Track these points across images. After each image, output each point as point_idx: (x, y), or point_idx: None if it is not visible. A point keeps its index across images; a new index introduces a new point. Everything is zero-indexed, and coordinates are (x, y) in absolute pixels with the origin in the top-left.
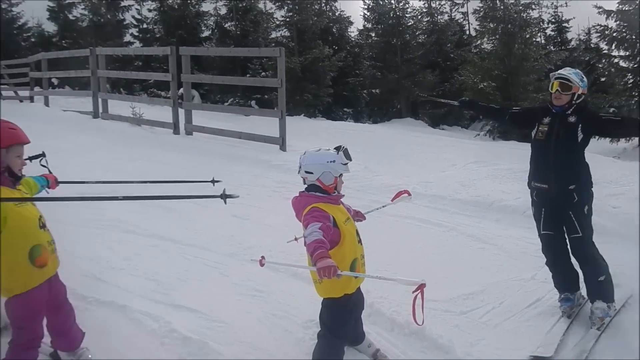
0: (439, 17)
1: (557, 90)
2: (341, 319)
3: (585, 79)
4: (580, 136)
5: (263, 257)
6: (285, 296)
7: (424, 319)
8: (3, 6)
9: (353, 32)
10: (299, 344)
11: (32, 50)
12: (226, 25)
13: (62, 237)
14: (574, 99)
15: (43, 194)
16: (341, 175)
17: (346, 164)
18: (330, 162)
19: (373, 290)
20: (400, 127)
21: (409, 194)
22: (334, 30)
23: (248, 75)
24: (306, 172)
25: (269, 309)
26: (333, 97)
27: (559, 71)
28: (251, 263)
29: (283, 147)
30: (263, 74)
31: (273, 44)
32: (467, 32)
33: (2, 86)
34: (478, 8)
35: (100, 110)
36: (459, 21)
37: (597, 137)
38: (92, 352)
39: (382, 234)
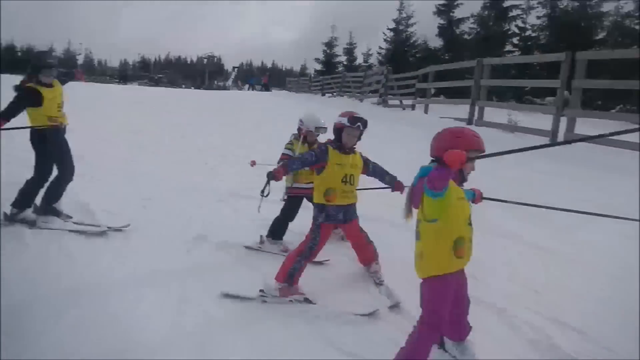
0: None
1: None
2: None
3: None
4: None
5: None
6: None
7: None
8: (400, 27)
9: None
10: None
11: (416, 65)
12: (628, 24)
13: None
14: None
15: None
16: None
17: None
18: None
19: None
20: None
21: None
22: None
23: None
24: None
25: None
26: None
27: None
28: None
29: None
30: None
31: None
32: None
33: (389, 96)
34: None
35: (475, 117)
36: None
37: None
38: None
39: None
